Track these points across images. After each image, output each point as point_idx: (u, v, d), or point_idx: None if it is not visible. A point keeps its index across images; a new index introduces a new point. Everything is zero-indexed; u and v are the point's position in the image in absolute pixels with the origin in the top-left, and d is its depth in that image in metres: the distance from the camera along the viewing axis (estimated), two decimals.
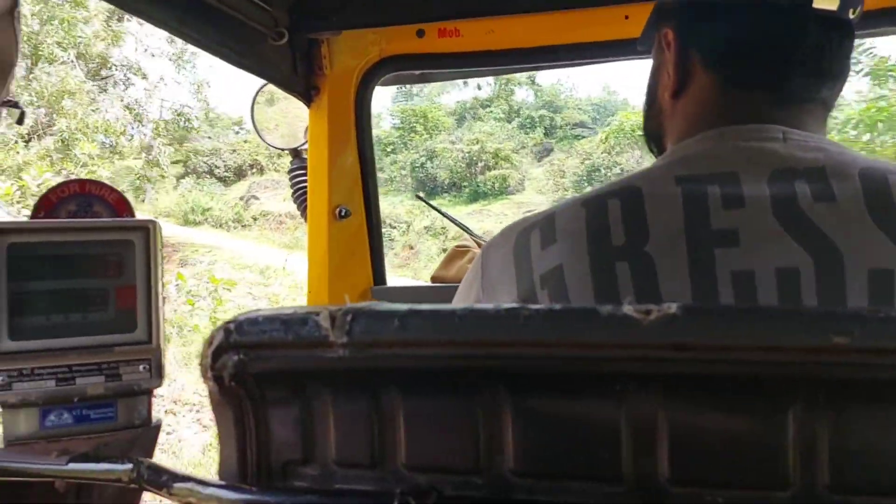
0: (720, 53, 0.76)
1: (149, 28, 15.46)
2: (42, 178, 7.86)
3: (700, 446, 0.43)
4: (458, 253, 1.82)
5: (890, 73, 6.70)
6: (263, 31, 1.42)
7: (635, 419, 0.43)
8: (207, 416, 6.02)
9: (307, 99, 1.66)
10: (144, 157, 15.91)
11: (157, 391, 0.78)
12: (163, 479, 0.58)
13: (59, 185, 0.79)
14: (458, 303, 0.82)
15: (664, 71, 0.80)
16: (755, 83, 0.74)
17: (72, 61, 13.70)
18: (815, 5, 0.70)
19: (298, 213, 1.84)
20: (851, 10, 0.71)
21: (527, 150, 21.54)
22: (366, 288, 1.78)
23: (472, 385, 0.46)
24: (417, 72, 1.71)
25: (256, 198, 18.15)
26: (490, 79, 23.12)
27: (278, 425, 0.52)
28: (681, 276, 0.62)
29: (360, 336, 0.46)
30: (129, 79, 16.42)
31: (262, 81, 1.70)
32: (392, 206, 17.14)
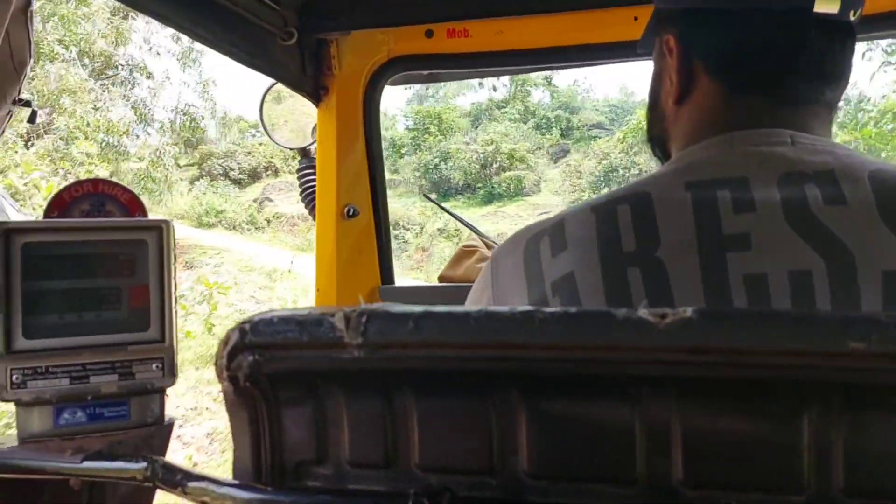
0: (723, 59, 0.76)
1: (155, 26, 15.46)
2: (29, 178, 7.68)
3: (714, 449, 0.43)
4: (466, 253, 1.82)
5: None
6: (273, 31, 1.42)
7: (650, 422, 0.43)
8: (190, 432, 6.01)
9: (316, 98, 1.66)
10: (149, 157, 15.84)
11: None
12: (177, 478, 0.59)
13: (73, 185, 0.80)
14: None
15: (667, 77, 0.80)
16: (760, 88, 0.74)
17: (73, 59, 13.57)
18: (816, 9, 0.70)
19: (307, 212, 1.85)
20: (852, 12, 0.71)
21: (543, 151, 21.30)
22: (374, 287, 1.79)
23: (486, 386, 0.47)
24: (426, 72, 1.72)
25: (270, 200, 18.15)
26: (506, 80, 22.88)
27: (292, 425, 0.52)
28: (693, 281, 0.62)
29: (375, 337, 0.46)
30: (134, 77, 16.30)
31: (271, 80, 1.71)
32: (406, 207, 17.03)
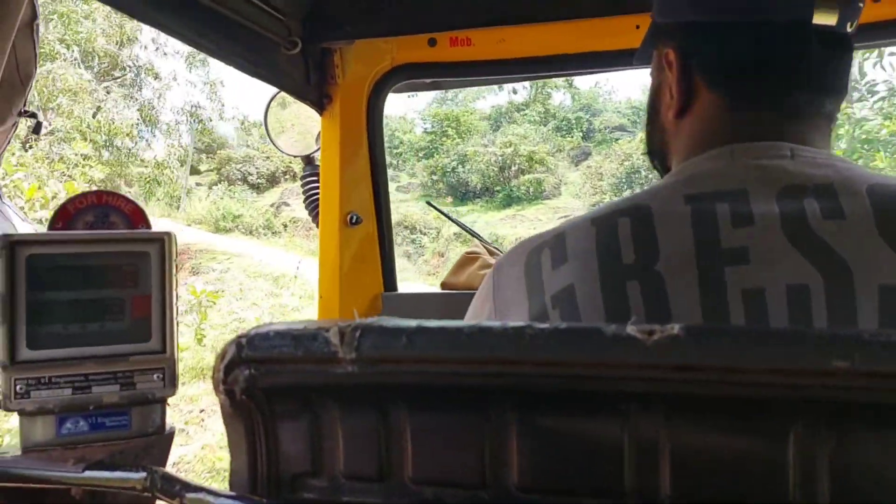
0: (724, 72, 0.76)
1: None
2: (10, 179, 7.59)
3: (702, 465, 0.43)
4: (469, 259, 1.83)
5: None
6: (277, 41, 1.44)
7: (638, 438, 0.44)
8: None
9: (320, 107, 1.67)
10: (153, 160, 15.76)
11: None
12: (175, 489, 0.59)
13: (77, 197, 0.81)
14: (471, 320, 0.83)
15: (666, 90, 0.80)
16: (760, 101, 0.74)
17: (75, 59, 13.33)
18: (814, 21, 0.70)
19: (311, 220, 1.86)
20: (850, 24, 0.72)
21: (563, 153, 21.06)
22: (376, 294, 1.80)
23: (478, 401, 0.47)
24: (428, 80, 1.73)
25: (287, 204, 18.18)
26: (526, 83, 22.79)
27: (288, 438, 0.53)
28: (691, 295, 0.63)
29: (369, 352, 0.47)
30: (140, 79, 16.14)
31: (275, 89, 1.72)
32: (423, 212, 16.95)
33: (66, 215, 0.79)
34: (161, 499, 0.62)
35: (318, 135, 1.77)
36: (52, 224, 0.78)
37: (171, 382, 0.77)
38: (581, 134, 22.40)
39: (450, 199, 19.50)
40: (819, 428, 0.41)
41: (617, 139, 20.97)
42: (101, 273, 0.76)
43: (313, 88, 1.62)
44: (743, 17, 0.73)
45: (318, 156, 1.80)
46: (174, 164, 16.35)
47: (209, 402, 6.73)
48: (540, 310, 0.70)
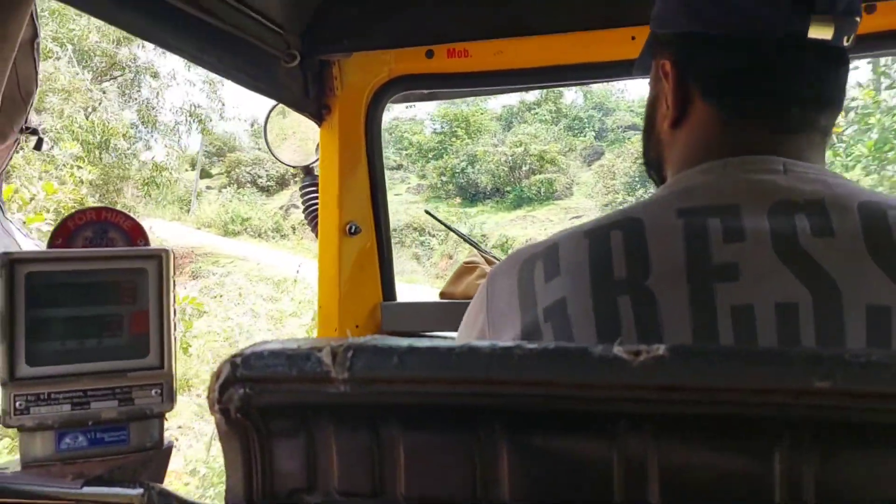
0: (719, 85, 0.76)
1: None
2: None
3: (690, 485, 0.44)
4: (467, 269, 1.84)
5: None
6: (276, 54, 1.45)
7: (627, 457, 0.44)
8: None
9: (318, 118, 1.68)
10: (153, 159, 15.53)
11: None
12: None
13: (76, 213, 0.82)
14: (465, 331, 0.83)
15: (662, 101, 0.81)
16: (755, 114, 0.74)
17: (69, 57, 12.91)
18: (810, 35, 0.70)
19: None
20: (846, 38, 0.72)
21: (576, 153, 20.77)
22: (376, 303, 1.80)
23: (469, 420, 0.48)
24: (426, 91, 1.74)
25: (297, 207, 18.02)
26: None
27: (283, 456, 0.54)
28: (681, 311, 0.63)
29: (361, 372, 0.47)
30: (138, 77, 15.73)
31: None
32: (437, 216, 16.81)
33: (65, 232, 0.80)
34: None
35: (318, 145, 1.78)
36: (52, 241, 0.79)
37: (168, 397, 0.77)
38: (594, 133, 22.09)
39: (458, 201, 19.32)
40: (803, 447, 0.42)
41: (630, 138, 20.71)
42: (99, 290, 0.77)
43: (312, 100, 1.63)
44: (739, 30, 0.73)
45: (317, 166, 1.81)
46: (173, 166, 16.10)
47: (188, 418, 6.67)
48: (532, 322, 0.70)
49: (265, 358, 0.51)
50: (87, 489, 0.68)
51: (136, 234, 0.84)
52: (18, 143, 0.98)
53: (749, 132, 0.74)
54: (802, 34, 0.70)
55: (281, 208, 18.42)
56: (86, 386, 0.75)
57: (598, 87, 24.31)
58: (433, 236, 16.15)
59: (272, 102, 1.77)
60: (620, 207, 0.78)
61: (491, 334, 0.76)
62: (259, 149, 21.06)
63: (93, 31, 13.54)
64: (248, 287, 11.32)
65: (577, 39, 1.50)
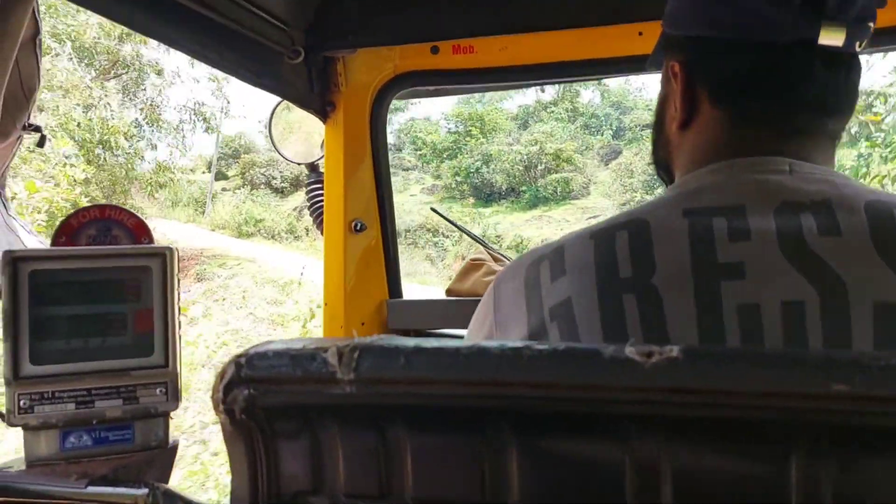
0: (727, 89, 0.76)
1: None
2: None
3: (703, 489, 0.43)
4: (474, 266, 1.83)
5: None
6: (281, 50, 1.44)
7: (638, 460, 0.44)
8: None
9: (323, 115, 1.68)
10: (155, 159, 15.40)
11: None
12: None
13: (80, 211, 0.81)
14: (473, 333, 0.83)
15: (671, 102, 0.81)
16: (762, 118, 0.74)
17: (68, 53, 12.57)
18: (820, 41, 0.69)
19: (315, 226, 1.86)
20: (858, 44, 0.71)
21: (593, 152, 20.49)
22: (381, 301, 1.80)
23: (477, 422, 0.47)
24: (432, 87, 1.73)
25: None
26: None
27: (288, 457, 0.53)
28: (687, 310, 0.63)
29: (367, 373, 0.47)
30: (142, 76, 15.44)
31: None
32: (446, 214, 16.68)
33: (69, 230, 0.80)
34: None
35: (322, 142, 1.77)
36: (56, 239, 0.79)
37: (173, 396, 0.77)
38: (611, 132, 21.81)
39: (471, 201, 19.21)
40: (821, 451, 0.41)
41: (648, 136, 20.40)
42: (103, 288, 0.76)
43: (316, 97, 1.62)
44: (748, 35, 0.73)
45: (322, 163, 1.80)
46: (176, 165, 16.01)
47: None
48: (539, 323, 0.70)
49: (269, 358, 0.50)
50: (91, 489, 0.68)
51: (140, 231, 0.83)
52: (21, 141, 0.98)
53: (756, 136, 0.74)
54: (812, 40, 0.70)
55: (294, 209, 18.38)
56: (90, 385, 0.74)
57: (615, 86, 24.15)
58: (447, 237, 16.03)
59: (279, 100, 1.77)
60: (627, 209, 0.77)
61: (499, 336, 0.76)
62: (273, 150, 20.92)
63: (93, 27, 13.36)
64: (252, 289, 11.23)
65: (584, 35, 1.49)
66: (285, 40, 1.44)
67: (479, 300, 0.84)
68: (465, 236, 14.89)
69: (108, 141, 12.87)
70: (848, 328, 0.59)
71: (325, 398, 0.49)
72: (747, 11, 0.72)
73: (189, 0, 1.10)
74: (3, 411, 0.74)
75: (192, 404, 6.60)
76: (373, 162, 1.75)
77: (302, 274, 10.44)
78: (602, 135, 21.62)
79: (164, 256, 0.78)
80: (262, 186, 20.05)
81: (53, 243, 0.79)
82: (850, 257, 0.62)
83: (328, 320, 1.78)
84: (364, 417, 0.50)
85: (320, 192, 1.81)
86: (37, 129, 0.97)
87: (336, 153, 1.72)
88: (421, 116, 23.48)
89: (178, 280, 0.79)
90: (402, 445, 0.49)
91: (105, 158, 13.19)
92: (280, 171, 20.18)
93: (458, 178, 19.72)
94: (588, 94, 23.97)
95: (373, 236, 1.78)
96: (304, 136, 1.82)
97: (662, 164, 0.87)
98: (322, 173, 1.80)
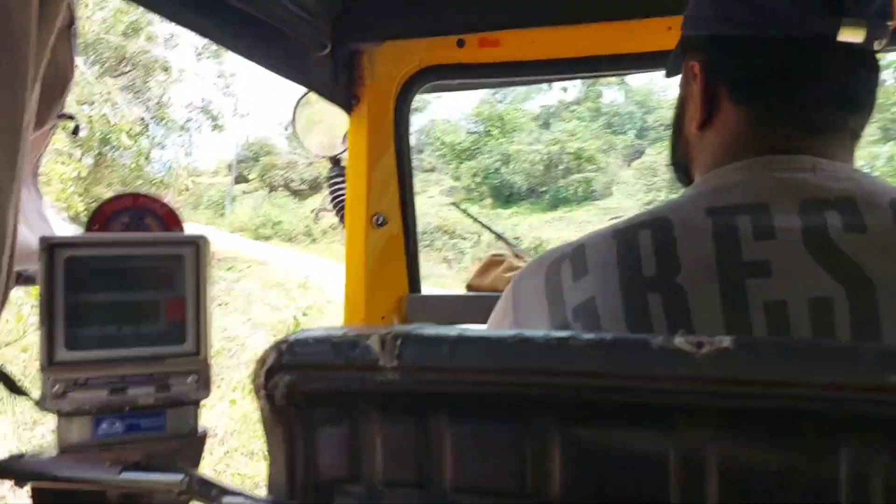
0: (747, 87, 0.76)
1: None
2: None
3: (749, 481, 0.42)
4: (494, 262, 1.82)
5: None
6: (307, 42, 1.44)
7: (684, 451, 0.43)
8: None
9: (348, 108, 1.68)
10: (158, 158, 15.32)
11: None
12: (212, 493, 0.60)
13: (113, 199, 0.82)
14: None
15: (691, 102, 0.81)
16: (783, 116, 0.74)
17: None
18: (840, 38, 0.69)
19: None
20: (877, 42, 0.71)
21: (616, 152, 20.31)
22: (401, 295, 1.80)
23: (520, 412, 0.47)
24: (456, 81, 1.72)
25: (327, 210, 18.02)
26: (576, 80, 21.92)
27: (327, 444, 0.53)
28: (713, 307, 0.63)
29: (410, 361, 0.46)
30: (148, 73, 15.27)
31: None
32: (463, 215, 16.45)
33: (102, 217, 0.80)
34: (198, 502, 0.62)
35: (345, 136, 1.77)
36: (89, 226, 0.79)
37: (204, 385, 0.77)
38: (635, 132, 21.60)
39: (489, 202, 19.07)
40: (873, 444, 0.40)
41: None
42: (136, 275, 0.77)
43: (341, 89, 1.63)
44: (768, 32, 0.73)
45: (345, 157, 1.80)
46: (180, 165, 15.96)
47: None
48: (561, 323, 0.70)
49: (310, 345, 0.50)
50: (125, 475, 0.68)
51: (171, 220, 0.83)
52: (55, 129, 0.98)
53: (777, 133, 0.74)
54: (832, 37, 0.70)
55: (312, 212, 18.40)
56: (123, 371, 0.74)
57: (639, 86, 23.93)
58: (464, 239, 15.94)
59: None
60: (648, 208, 0.77)
61: None
62: (293, 153, 20.97)
63: (96, 22, 13.30)
64: (258, 294, 11.08)
65: (612, 29, 1.48)
66: (312, 32, 1.44)
67: (498, 296, 0.84)
68: (482, 238, 14.85)
69: (109, 139, 12.75)
70: (877, 324, 0.60)
71: (366, 385, 0.49)
72: (767, 8, 0.73)
73: None
74: (37, 397, 0.74)
75: None
76: (396, 156, 1.74)
77: (307, 277, 10.28)
78: (625, 134, 21.39)
79: (196, 245, 0.78)
80: (281, 189, 20.09)
81: (87, 230, 0.79)
82: (875, 254, 0.62)
83: (349, 314, 1.78)
84: (404, 405, 0.50)
85: (342, 185, 1.82)
86: (70, 117, 0.98)
87: (359, 146, 1.72)
88: (441, 118, 23.40)
89: (210, 269, 0.80)
90: (442, 434, 0.49)
91: (106, 156, 13.05)
92: (299, 174, 20.21)
93: (477, 179, 19.56)
94: (611, 92, 23.82)
95: (394, 231, 1.78)
96: (328, 128, 1.82)
97: (681, 165, 0.87)
98: (344, 167, 1.80)
